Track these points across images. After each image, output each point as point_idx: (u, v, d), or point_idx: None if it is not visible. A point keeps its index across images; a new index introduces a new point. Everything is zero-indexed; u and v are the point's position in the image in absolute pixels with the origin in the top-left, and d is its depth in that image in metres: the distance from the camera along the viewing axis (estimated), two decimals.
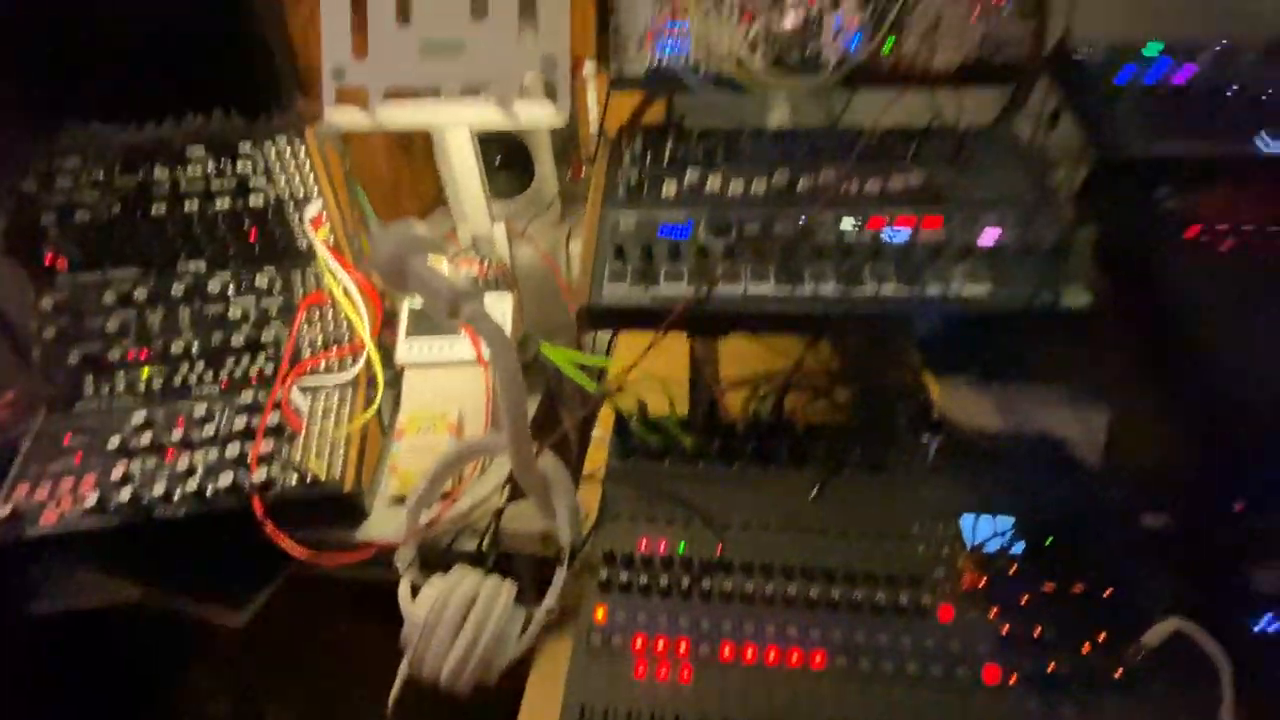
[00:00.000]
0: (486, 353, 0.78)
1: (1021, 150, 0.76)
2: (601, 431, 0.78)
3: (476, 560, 0.66)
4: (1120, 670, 0.51)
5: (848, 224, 0.69)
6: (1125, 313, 0.61)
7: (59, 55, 0.90)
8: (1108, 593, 0.56)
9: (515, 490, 0.72)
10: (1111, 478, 0.66)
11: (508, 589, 0.61)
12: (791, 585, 0.58)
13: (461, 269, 0.85)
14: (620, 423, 0.72)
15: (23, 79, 0.86)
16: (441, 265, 0.83)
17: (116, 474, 0.66)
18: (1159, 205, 0.68)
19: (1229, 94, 0.78)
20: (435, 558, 0.67)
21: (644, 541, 0.62)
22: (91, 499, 0.65)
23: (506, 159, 1.12)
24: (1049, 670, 0.51)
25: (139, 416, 0.70)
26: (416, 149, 1.29)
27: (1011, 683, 0.51)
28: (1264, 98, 0.77)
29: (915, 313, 0.64)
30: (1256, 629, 0.55)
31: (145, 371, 0.73)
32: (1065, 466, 0.67)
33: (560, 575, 0.61)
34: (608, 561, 0.61)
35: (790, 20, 0.74)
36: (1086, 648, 0.53)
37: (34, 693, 0.81)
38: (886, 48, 0.76)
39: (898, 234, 0.67)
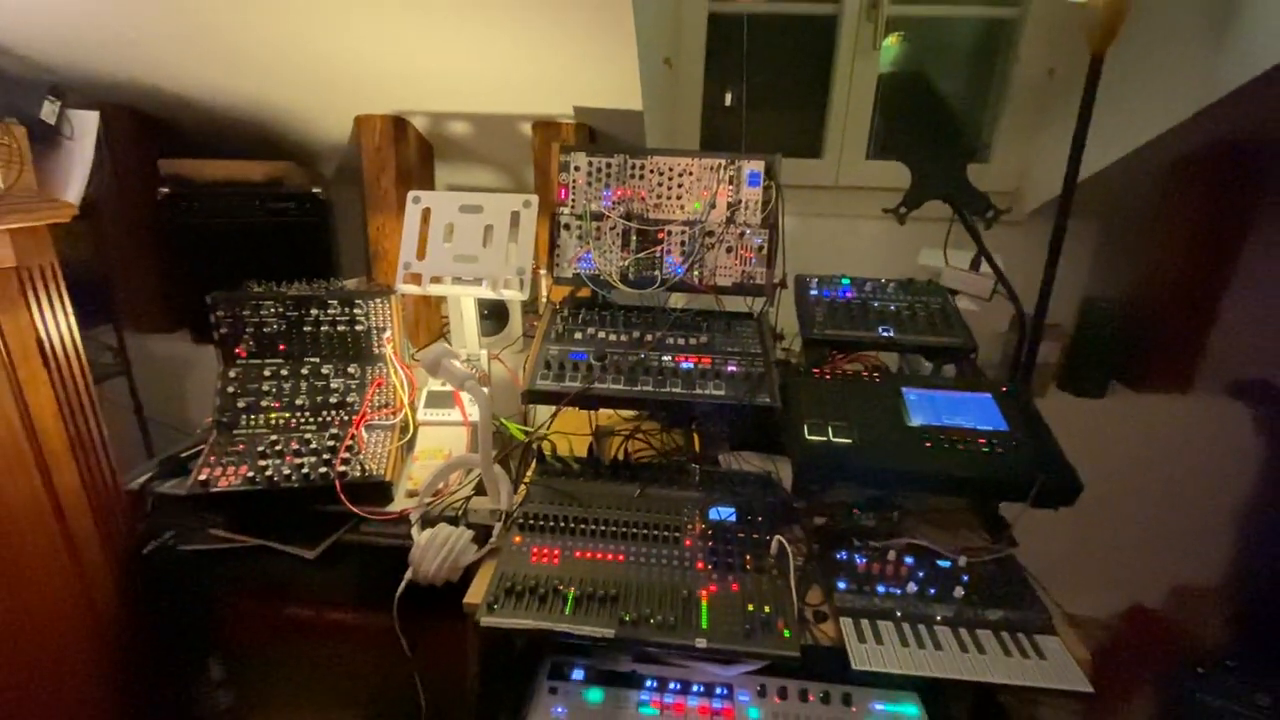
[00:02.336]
0: (470, 411, 1.39)
1: (761, 329, 1.46)
2: (532, 470, 1.38)
3: (453, 522, 1.22)
4: (754, 564, 1.09)
5: (665, 359, 1.35)
6: (785, 409, 1.26)
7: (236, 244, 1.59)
8: (769, 538, 1.15)
9: (479, 489, 1.30)
10: (794, 493, 1.28)
11: (469, 534, 1.17)
12: (614, 528, 1.15)
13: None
14: (540, 455, 1.32)
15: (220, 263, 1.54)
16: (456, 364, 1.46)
17: (260, 464, 1.23)
18: (807, 359, 1.37)
19: (875, 304, 1.52)
20: (430, 521, 1.23)
21: (544, 509, 1.20)
22: (246, 475, 1.21)
23: (490, 313, 1.81)
24: (727, 564, 1.09)
25: (273, 437, 1.28)
26: (431, 300, 1.98)
27: (709, 568, 1.08)
28: (891, 307, 1.51)
29: (690, 403, 1.28)
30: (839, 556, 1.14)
31: (278, 415, 1.32)
32: (769, 485, 1.28)
33: (498, 528, 1.18)
34: (526, 517, 1.18)
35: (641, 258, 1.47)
36: (749, 558, 1.11)
37: (184, 598, 1.32)
38: (695, 273, 1.48)
39: (687, 364, 1.33)
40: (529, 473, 1.33)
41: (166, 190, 1.75)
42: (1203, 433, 1.72)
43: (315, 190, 1.83)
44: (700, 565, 1.09)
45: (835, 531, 1.20)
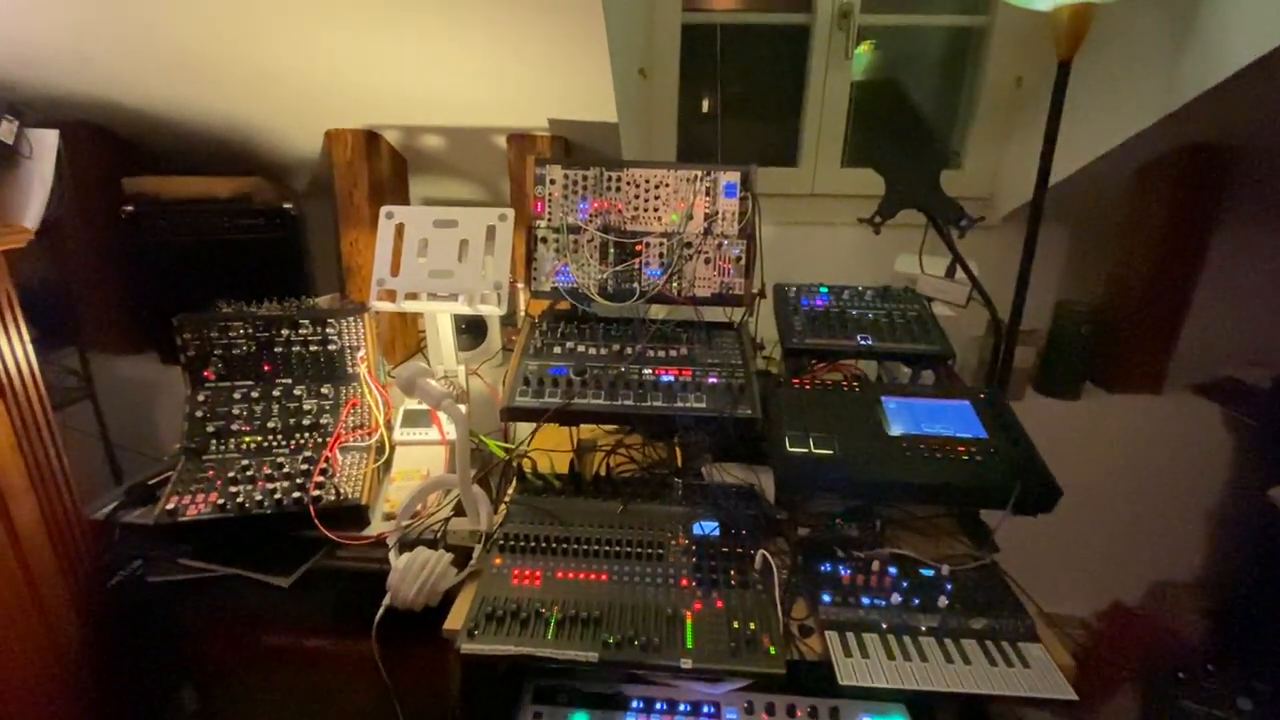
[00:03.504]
0: (448, 430, 1.37)
1: (742, 340, 1.45)
2: (513, 489, 1.35)
3: (432, 545, 1.19)
4: (738, 579, 1.08)
5: (646, 372, 1.34)
6: (766, 420, 1.25)
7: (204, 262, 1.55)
8: (753, 551, 1.14)
9: (458, 510, 1.27)
10: (778, 504, 1.27)
11: (447, 556, 1.14)
12: (597, 547, 1.14)
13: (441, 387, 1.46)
14: (520, 472, 1.30)
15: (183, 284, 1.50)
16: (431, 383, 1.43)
17: (230, 490, 1.19)
18: (787, 369, 1.36)
19: (853, 312, 1.52)
20: (408, 545, 1.20)
21: (525, 529, 1.18)
22: (216, 503, 1.17)
23: (467, 327, 1.79)
24: (712, 581, 1.08)
25: (244, 462, 1.24)
26: (407, 317, 1.95)
27: (693, 585, 1.07)
28: (869, 316, 1.51)
29: (671, 416, 1.27)
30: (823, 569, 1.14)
31: (249, 439, 1.28)
32: (752, 497, 1.27)
33: (478, 550, 1.16)
34: (507, 538, 1.16)
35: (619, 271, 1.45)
36: (733, 573, 1.10)
37: (154, 630, 1.27)
38: (673, 286, 1.47)
39: (667, 377, 1.32)
40: (509, 491, 1.31)
41: (130, 208, 1.70)
42: (1176, 431, 1.75)
43: (285, 205, 1.79)
44: (684, 582, 1.08)
45: (819, 542, 1.20)
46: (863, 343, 1.44)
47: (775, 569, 1.08)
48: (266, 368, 1.34)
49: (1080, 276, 1.94)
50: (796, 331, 1.47)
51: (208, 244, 1.78)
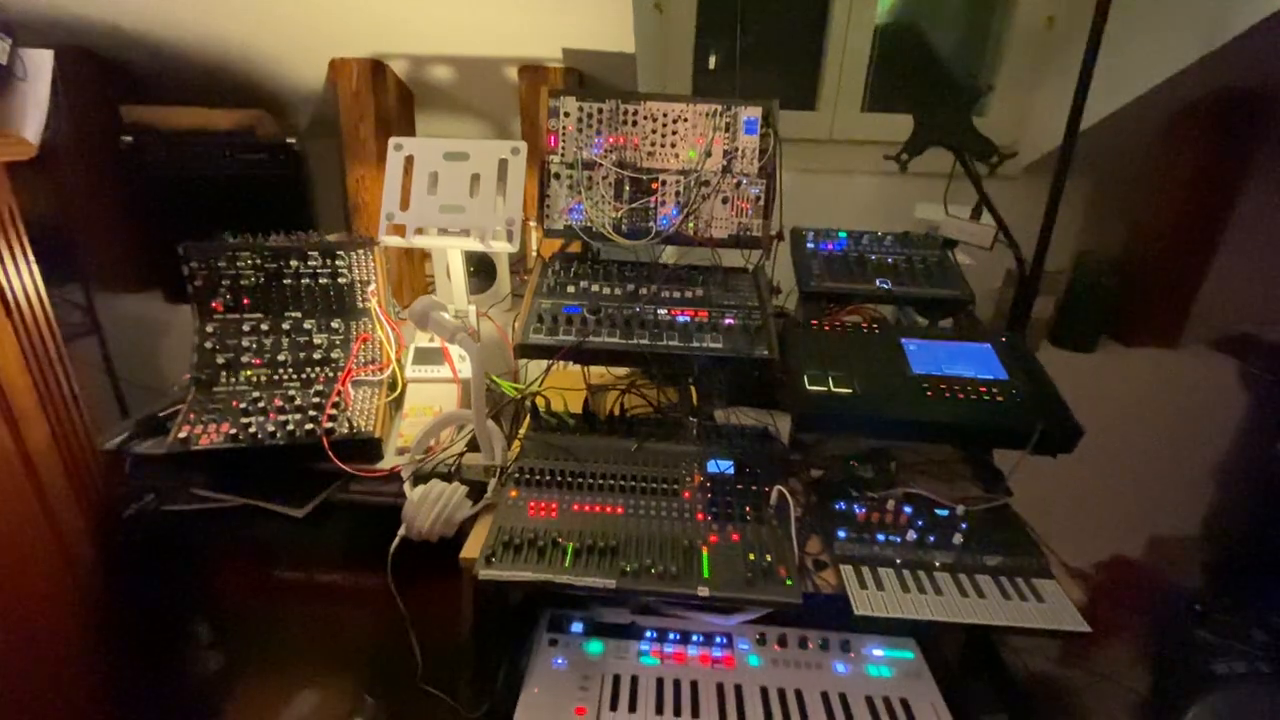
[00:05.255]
0: (460, 367, 1.35)
1: (758, 282, 1.43)
2: (526, 426, 1.35)
3: (446, 479, 1.19)
4: (753, 514, 1.08)
5: (661, 312, 1.32)
6: (784, 362, 1.24)
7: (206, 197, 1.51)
8: (767, 489, 1.14)
9: (472, 446, 1.27)
10: (791, 446, 1.26)
11: (462, 489, 1.14)
12: (612, 482, 1.13)
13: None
14: (534, 410, 1.29)
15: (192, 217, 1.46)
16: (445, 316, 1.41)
17: (243, 421, 1.18)
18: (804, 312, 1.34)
19: (872, 257, 1.49)
20: (422, 478, 1.20)
21: (541, 464, 1.17)
22: (229, 433, 1.16)
23: (478, 268, 1.75)
24: (727, 515, 1.08)
25: (255, 394, 1.23)
26: (414, 258, 1.91)
27: (709, 519, 1.07)
28: (889, 260, 1.48)
29: (687, 356, 1.25)
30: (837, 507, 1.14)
31: (259, 372, 1.27)
32: (767, 439, 1.26)
33: (493, 483, 1.15)
34: (522, 472, 1.15)
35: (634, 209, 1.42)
36: (748, 509, 1.10)
37: (169, 561, 1.29)
38: (689, 226, 1.44)
39: (683, 318, 1.30)
40: (523, 429, 1.30)
41: (130, 139, 1.65)
42: (1189, 384, 1.74)
43: (289, 140, 1.74)
44: (700, 516, 1.08)
45: (833, 483, 1.20)
46: (881, 286, 1.42)
47: (791, 504, 1.08)
48: (275, 300, 1.32)
49: (1100, 229, 1.90)
50: (814, 275, 1.45)
51: (209, 178, 1.73)
